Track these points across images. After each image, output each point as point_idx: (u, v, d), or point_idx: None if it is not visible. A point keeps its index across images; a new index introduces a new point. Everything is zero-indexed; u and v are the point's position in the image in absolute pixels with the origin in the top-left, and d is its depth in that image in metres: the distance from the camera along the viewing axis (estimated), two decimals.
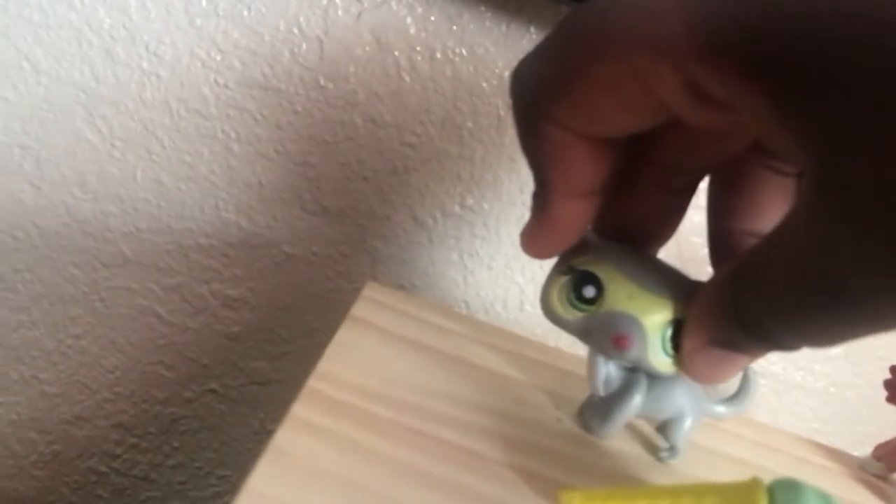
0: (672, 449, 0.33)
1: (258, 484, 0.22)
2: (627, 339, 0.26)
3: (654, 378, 0.30)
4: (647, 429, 0.35)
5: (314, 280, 0.57)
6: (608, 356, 0.29)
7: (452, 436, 0.28)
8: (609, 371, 0.30)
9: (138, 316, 0.59)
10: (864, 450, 0.42)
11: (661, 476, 0.32)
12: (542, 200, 0.23)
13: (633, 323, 0.26)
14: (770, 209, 0.25)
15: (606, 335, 0.26)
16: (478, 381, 0.34)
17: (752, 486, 0.24)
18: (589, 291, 0.26)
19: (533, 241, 0.24)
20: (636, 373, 0.30)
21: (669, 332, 0.26)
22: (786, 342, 0.19)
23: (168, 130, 0.53)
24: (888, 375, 0.43)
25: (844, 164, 0.14)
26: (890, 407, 0.43)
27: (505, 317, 0.57)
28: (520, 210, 0.53)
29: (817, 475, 0.38)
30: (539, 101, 0.20)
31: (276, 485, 0.22)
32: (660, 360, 0.26)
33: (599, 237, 0.27)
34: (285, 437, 0.25)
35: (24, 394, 0.62)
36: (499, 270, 0.55)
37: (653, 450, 0.33)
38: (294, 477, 0.23)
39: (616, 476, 0.30)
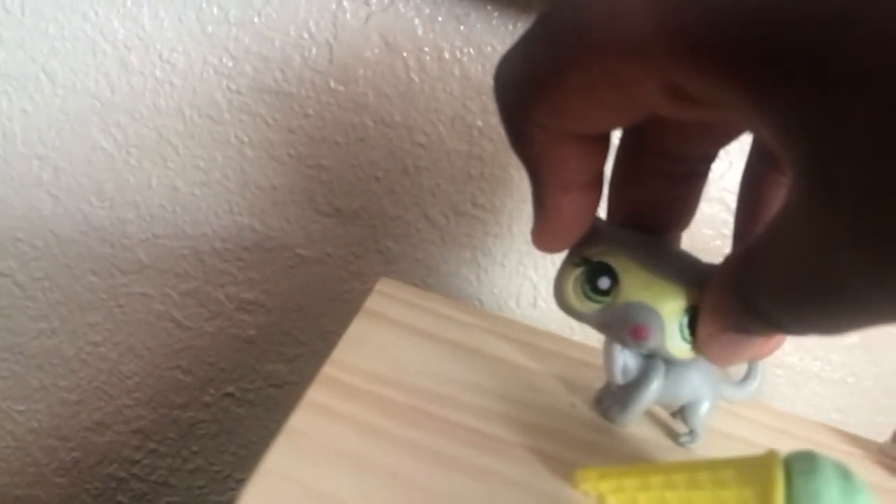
0: (692, 433, 0.33)
1: (273, 463, 0.22)
2: (646, 329, 0.26)
3: (670, 363, 0.30)
4: (662, 413, 0.35)
5: (328, 281, 0.57)
6: (627, 346, 0.28)
7: (468, 420, 0.29)
8: (626, 359, 0.30)
9: (156, 321, 0.59)
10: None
11: (676, 458, 0.31)
12: (538, 197, 0.23)
13: (651, 313, 0.25)
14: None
15: (625, 326, 0.26)
16: (492, 370, 0.34)
17: (768, 458, 0.24)
18: (604, 283, 0.26)
19: (540, 236, 0.24)
20: (653, 359, 0.30)
21: (686, 318, 0.26)
22: (792, 329, 0.19)
23: (182, 137, 0.54)
24: None
25: (833, 163, 0.14)
26: None
27: (519, 314, 0.57)
28: (531, 207, 0.53)
29: (837, 458, 0.37)
30: (518, 104, 0.20)
31: (292, 464, 0.22)
32: (678, 346, 0.26)
33: (612, 225, 0.27)
34: (301, 420, 0.25)
35: (44, 401, 0.63)
36: (512, 267, 0.56)
37: (667, 433, 0.33)
38: (309, 457, 0.23)
39: (631, 459, 0.30)
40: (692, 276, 0.25)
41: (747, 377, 0.35)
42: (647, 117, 0.19)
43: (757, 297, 0.19)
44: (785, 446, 0.37)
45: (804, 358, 0.57)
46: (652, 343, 0.26)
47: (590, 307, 0.27)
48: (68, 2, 0.51)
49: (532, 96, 0.19)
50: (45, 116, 0.53)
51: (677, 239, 0.28)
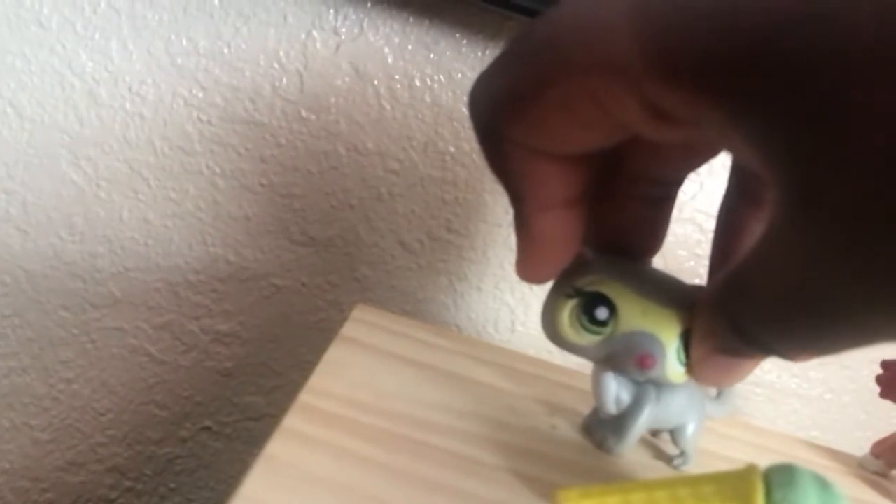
0: (683, 455, 0.32)
1: (250, 490, 0.22)
2: (651, 357, 0.25)
3: (659, 387, 0.29)
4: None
5: (304, 311, 0.57)
6: (630, 375, 0.28)
7: (448, 443, 0.28)
8: (618, 387, 0.29)
9: (129, 356, 0.58)
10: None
11: (657, 477, 0.31)
12: (520, 218, 0.22)
13: (653, 340, 0.25)
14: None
15: (629, 356, 0.26)
16: (471, 393, 0.34)
17: (748, 472, 0.24)
18: (602, 313, 0.26)
19: (526, 265, 0.23)
20: (644, 386, 0.29)
21: (681, 343, 0.25)
22: (782, 350, 0.19)
23: (153, 169, 0.53)
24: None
25: (817, 179, 0.14)
26: (889, 410, 0.43)
27: (497, 338, 0.56)
28: (506, 231, 0.54)
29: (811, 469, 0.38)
30: (496, 122, 0.20)
31: (270, 490, 0.22)
32: (675, 371, 0.26)
33: (599, 253, 0.26)
34: (277, 447, 0.24)
35: (15, 442, 0.61)
36: (488, 292, 0.55)
37: (651, 452, 0.33)
38: (287, 483, 0.23)
39: (614, 479, 0.30)
40: (684, 300, 0.25)
41: (723, 392, 0.35)
42: (625, 138, 0.19)
43: (744, 319, 0.19)
44: (765, 462, 0.37)
45: (782, 376, 0.57)
46: (656, 370, 0.26)
47: (588, 339, 0.26)
48: (35, 36, 0.50)
49: (508, 113, 0.19)
50: (13, 151, 0.53)
51: (650, 264, 0.28)
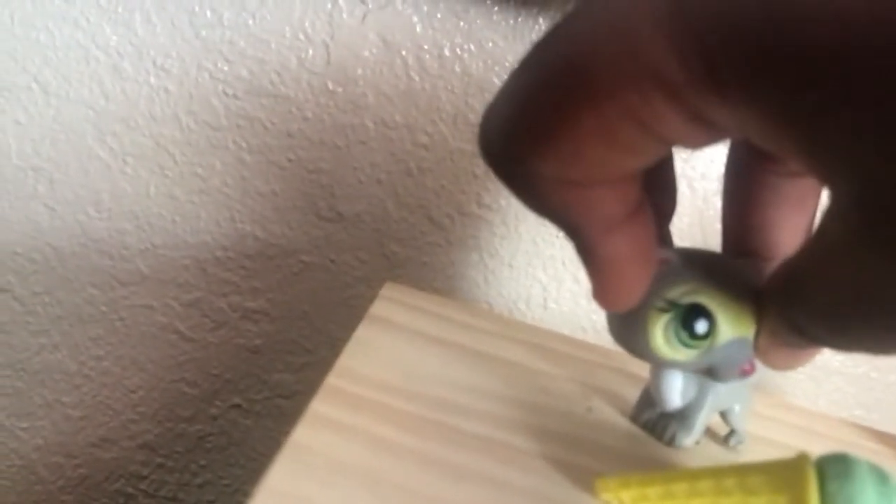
0: (735, 433, 0.32)
1: (276, 480, 0.21)
2: (753, 364, 0.24)
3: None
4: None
5: (333, 287, 0.56)
6: (725, 382, 0.26)
7: (479, 428, 0.27)
8: (684, 382, 0.28)
9: (158, 333, 0.58)
10: None
11: (696, 461, 0.30)
12: (583, 248, 0.20)
13: (749, 346, 0.23)
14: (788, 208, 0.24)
15: (733, 367, 0.24)
16: (504, 374, 0.33)
17: (799, 462, 0.23)
18: (702, 327, 0.23)
19: (609, 294, 0.21)
20: (705, 377, 0.28)
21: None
22: (845, 348, 0.17)
23: (179, 144, 0.53)
24: None
25: (885, 191, 0.12)
26: None
27: (529, 316, 0.55)
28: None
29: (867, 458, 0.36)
30: (520, 160, 0.17)
31: (295, 480, 0.21)
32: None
33: (679, 252, 0.24)
34: (304, 434, 0.24)
35: (48, 418, 0.62)
36: (520, 268, 0.54)
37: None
38: (314, 472, 0.22)
39: (652, 463, 0.29)
40: (754, 291, 0.23)
41: None
42: (666, 154, 0.17)
43: (803, 321, 0.18)
44: (810, 445, 0.36)
45: (825, 353, 0.55)
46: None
47: (686, 354, 0.24)
48: (59, 10, 0.50)
49: (535, 149, 0.17)
50: (38, 127, 0.52)
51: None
